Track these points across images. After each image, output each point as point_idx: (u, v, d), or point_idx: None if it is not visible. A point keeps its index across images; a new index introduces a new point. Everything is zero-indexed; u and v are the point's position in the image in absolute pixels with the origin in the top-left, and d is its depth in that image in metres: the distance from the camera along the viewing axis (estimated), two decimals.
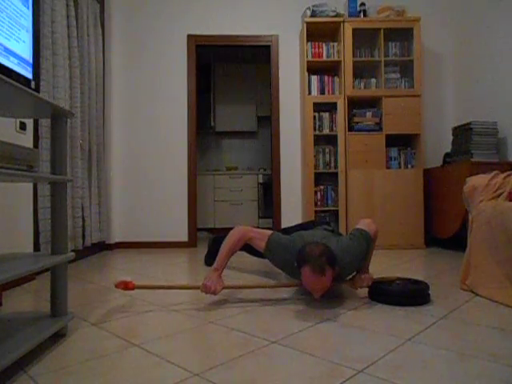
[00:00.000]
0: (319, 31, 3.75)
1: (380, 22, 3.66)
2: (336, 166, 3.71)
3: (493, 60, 3.39)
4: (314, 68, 3.77)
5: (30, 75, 1.34)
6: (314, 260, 1.60)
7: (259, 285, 2.17)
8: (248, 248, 2.06)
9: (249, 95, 5.79)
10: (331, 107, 3.72)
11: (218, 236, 2.93)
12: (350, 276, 1.96)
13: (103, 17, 3.72)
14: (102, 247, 3.70)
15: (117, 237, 3.87)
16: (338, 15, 3.73)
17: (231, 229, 1.99)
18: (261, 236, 1.93)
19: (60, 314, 1.43)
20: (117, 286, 1.78)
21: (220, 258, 1.88)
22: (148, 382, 1.06)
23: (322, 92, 3.74)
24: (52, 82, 2.68)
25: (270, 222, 4.92)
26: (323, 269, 1.59)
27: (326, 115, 3.76)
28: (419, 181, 3.58)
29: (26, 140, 2.35)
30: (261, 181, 5.38)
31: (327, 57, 3.74)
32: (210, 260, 2.68)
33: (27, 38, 1.34)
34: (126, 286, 1.77)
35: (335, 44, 3.75)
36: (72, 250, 2.81)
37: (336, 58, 3.72)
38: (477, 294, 1.91)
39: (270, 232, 1.95)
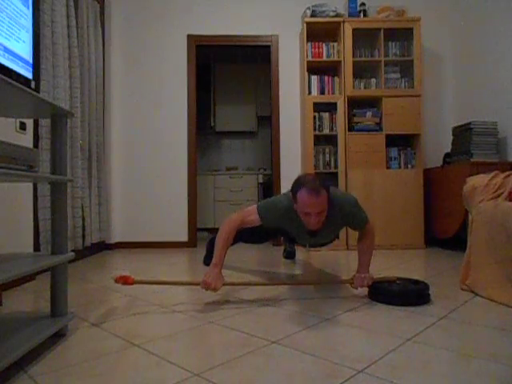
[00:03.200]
0: (319, 31, 3.74)
1: (380, 22, 3.66)
2: (336, 166, 3.71)
3: (493, 60, 3.39)
4: (314, 68, 3.77)
5: (30, 75, 1.34)
6: (308, 183, 1.72)
7: (259, 282, 2.17)
8: (243, 237, 2.07)
9: (249, 95, 5.79)
10: (331, 107, 3.72)
11: (214, 237, 2.92)
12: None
13: (103, 17, 3.72)
14: (102, 247, 3.69)
15: (117, 237, 3.87)
16: (338, 15, 3.73)
17: None
18: (249, 213, 1.98)
19: (60, 314, 1.43)
20: (116, 280, 1.75)
21: (217, 252, 1.89)
22: (148, 382, 1.06)
23: (322, 92, 3.73)
24: (52, 82, 2.68)
25: None
26: (318, 189, 1.70)
27: (325, 115, 3.75)
28: (419, 181, 3.57)
29: (26, 140, 2.35)
30: (261, 181, 5.38)
31: (327, 57, 3.73)
32: (208, 260, 2.68)
33: (27, 38, 1.34)
34: (125, 280, 1.76)
35: (335, 44, 3.75)
36: (72, 250, 2.81)
37: (336, 58, 3.72)
38: (477, 294, 1.91)
39: (254, 205, 2.01)
